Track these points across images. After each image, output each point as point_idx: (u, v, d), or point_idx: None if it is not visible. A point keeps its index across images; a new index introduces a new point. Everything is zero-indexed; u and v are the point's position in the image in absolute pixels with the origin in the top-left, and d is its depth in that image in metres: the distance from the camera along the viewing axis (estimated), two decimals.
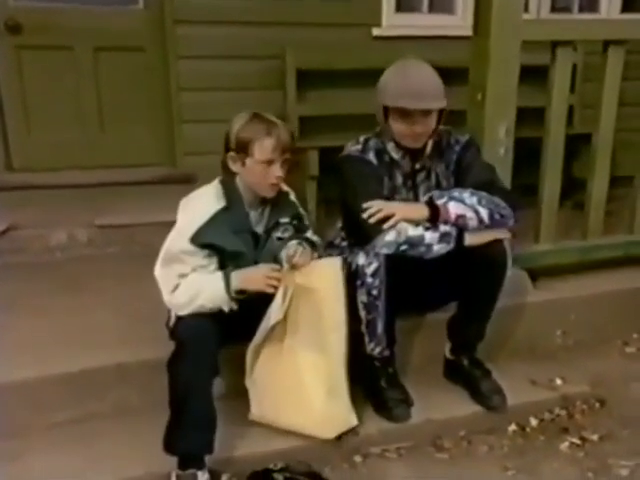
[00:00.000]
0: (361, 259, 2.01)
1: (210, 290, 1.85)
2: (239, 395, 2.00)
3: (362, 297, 2.02)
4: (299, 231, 2.09)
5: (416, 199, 2.16)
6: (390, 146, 2.14)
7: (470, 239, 1.98)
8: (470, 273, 2.02)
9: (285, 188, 2.10)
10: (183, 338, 1.82)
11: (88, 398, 2.06)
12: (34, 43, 3.55)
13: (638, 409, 2.30)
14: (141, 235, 3.08)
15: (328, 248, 2.30)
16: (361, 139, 2.18)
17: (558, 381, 2.35)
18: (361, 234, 2.04)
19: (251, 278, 1.89)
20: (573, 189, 3.29)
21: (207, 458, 1.83)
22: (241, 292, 1.88)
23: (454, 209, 1.96)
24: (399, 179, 2.17)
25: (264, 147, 1.88)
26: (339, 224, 2.35)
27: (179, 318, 1.88)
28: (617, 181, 2.83)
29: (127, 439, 1.94)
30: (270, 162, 1.89)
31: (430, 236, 1.94)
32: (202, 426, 1.81)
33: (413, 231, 1.94)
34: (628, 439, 2.15)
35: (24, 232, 3.09)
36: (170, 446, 1.80)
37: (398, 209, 1.98)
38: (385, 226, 1.94)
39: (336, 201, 2.33)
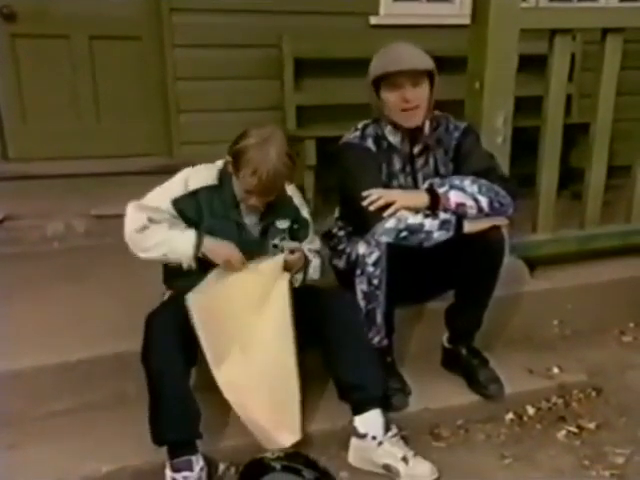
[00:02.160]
0: (362, 248, 2.00)
1: (179, 243, 1.87)
2: None
3: (362, 286, 2.01)
4: (296, 239, 2.07)
5: (415, 185, 2.16)
6: (388, 130, 2.13)
7: (469, 226, 1.98)
8: (468, 260, 2.02)
9: (289, 192, 2.07)
10: (148, 325, 1.83)
11: (85, 388, 2.06)
12: (29, 31, 3.52)
13: (634, 398, 2.30)
14: None
15: (325, 237, 2.29)
16: (359, 126, 2.17)
17: (555, 370, 2.35)
18: (360, 222, 2.03)
19: (218, 253, 1.90)
20: (571, 179, 3.30)
21: (199, 443, 1.81)
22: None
23: (455, 197, 1.95)
24: (397, 164, 2.15)
25: (246, 181, 1.87)
26: (336, 213, 2.35)
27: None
28: (615, 171, 2.82)
29: (125, 428, 1.94)
30: (250, 192, 1.90)
31: (430, 223, 1.94)
32: (183, 411, 1.78)
33: (413, 218, 1.94)
34: (624, 427, 2.16)
35: (21, 222, 3.09)
36: (157, 437, 1.79)
37: (398, 197, 1.98)
38: (385, 214, 1.94)
39: (334, 190, 2.32)
